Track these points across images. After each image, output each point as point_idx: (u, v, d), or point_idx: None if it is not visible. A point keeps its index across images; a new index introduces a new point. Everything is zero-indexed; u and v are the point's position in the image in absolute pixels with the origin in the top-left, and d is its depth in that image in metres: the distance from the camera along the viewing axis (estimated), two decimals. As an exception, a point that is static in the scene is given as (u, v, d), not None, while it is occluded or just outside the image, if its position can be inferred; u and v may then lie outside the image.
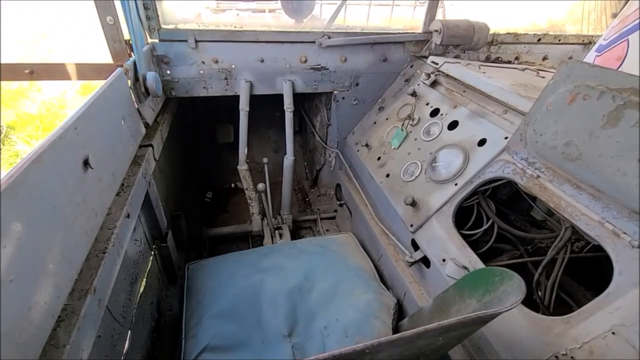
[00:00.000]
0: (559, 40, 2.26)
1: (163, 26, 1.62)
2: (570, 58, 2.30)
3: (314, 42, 1.86)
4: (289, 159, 2.09)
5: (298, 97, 2.01)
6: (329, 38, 1.86)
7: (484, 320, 0.62)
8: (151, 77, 1.36)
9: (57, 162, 0.73)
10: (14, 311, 0.57)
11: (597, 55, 1.50)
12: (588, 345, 0.84)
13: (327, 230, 2.34)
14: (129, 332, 1.17)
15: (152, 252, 1.51)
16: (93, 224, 0.90)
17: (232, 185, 2.79)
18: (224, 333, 1.25)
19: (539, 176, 1.10)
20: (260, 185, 1.89)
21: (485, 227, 1.31)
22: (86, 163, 0.85)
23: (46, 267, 0.67)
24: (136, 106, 1.34)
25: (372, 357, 0.48)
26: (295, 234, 2.32)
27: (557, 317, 0.93)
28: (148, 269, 1.43)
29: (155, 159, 1.48)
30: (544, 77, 1.77)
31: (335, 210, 2.44)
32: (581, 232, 0.98)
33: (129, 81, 1.29)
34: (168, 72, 1.73)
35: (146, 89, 1.37)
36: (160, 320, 1.52)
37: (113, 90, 1.12)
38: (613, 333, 0.82)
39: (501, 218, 1.32)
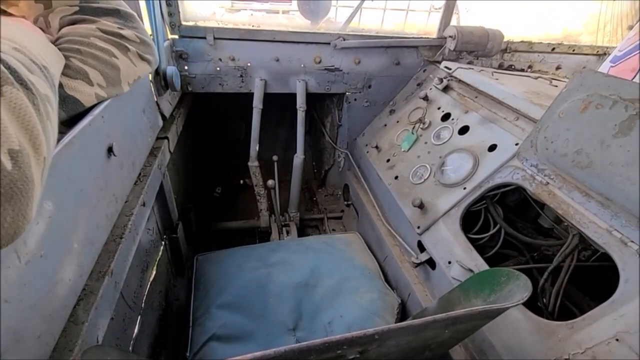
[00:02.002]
0: (573, 51, 2.26)
1: (183, 23, 1.67)
2: (584, 68, 2.30)
3: (329, 43, 1.89)
4: (299, 158, 2.12)
5: (309, 98, 2.04)
6: (344, 40, 1.89)
7: (490, 314, 0.64)
8: (171, 72, 1.40)
9: (85, 147, 0.76)
10: (43, 284, 0.61)
11: (612, 66, 1.50)
12: (591, 350, 0.85)
13: (333, 229, 2.36)
14: (139, 317, 1.21)
15: (163, 242, 1.55)
16: (113, 209, 0.94)
17: (241, 181, 2.82)
18: (230, 323, 1.28)
19: (548, 183, 1.11)
20: (270, 182, 1.92)
21: (492, 231, 1.32)
22: (110, 150, 0.89)
23: (72, 246, 0.70)
24: (155, 99, 1.38)
25: (380, 343, 0.50)
26: (302, 232, 2.34)
27: (561, 322, 0.94)
28: (158, 258, 1.47)
29: (170, 152, 1.52)
30: (556, 86, 1.78)
31: (342, 211, 2.46)
32: (588, 239, 0.99)
33: (150, 74, 1.33)
34: (186, 67, 1.78)
35: (166, 82, 1.41)
36: (167, 309, 1.56)
37: (135, 83, 1.16)
38: (617, 340, 0.82)
39: (508, 224, 1.33)
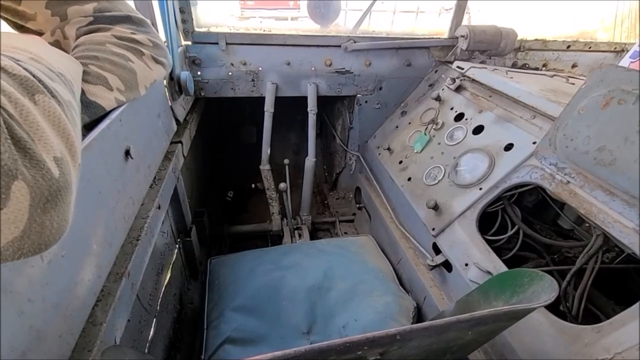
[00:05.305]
0: (590, 48, 2.20)
1: (196, 29, 1.70)
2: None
3: (339, 46, 1.89)
4: (310, 161, 2.12)
5: (320, 101, 2.05)
6: (355, 42, 1.89)
7: (515, 315, 0.62)
8: (185, 77, 1.42)
9: (104, 150, 0.78)
10: (64, 284, 0.62)
11: (632, 62, 1.46)
12: (620, 356, 0.82)
13: (345, 233, 2.34)
14: (154, 320, 1.22)
15: (177, 246, 1.56)
16: (130, 212, 0.95)
17: (253, 185, 2.84)
18: (244, 326, 1.27)
19: (569, 182, 1.08)
20: (282, 185, 1.92)
21: (510, 233, 1.29)
22: (127, 153, 0.90)
23: (91, 247, 0.71)
24: (169, 104, 1.40)
25: (401, 344, 0.48)
26: (314, 236, 2.33)
27: (587, 326, 0.90)
28: (173, 261, 1.48)
29: (183, 156, 1.54)
30: (573, 84, 1.73)
31: (354, 214, 2.44)
32: (614, 239, 0.95)
33: (165, 80, 1.36)
34: (199, 72, 1.81)
35: (179, 88, 1.44)
36: (181, 312, 1.56)
37: (151, 87, 1.18)
38: (647, 344, 0.79)
39: (526, 225, 1.29)
